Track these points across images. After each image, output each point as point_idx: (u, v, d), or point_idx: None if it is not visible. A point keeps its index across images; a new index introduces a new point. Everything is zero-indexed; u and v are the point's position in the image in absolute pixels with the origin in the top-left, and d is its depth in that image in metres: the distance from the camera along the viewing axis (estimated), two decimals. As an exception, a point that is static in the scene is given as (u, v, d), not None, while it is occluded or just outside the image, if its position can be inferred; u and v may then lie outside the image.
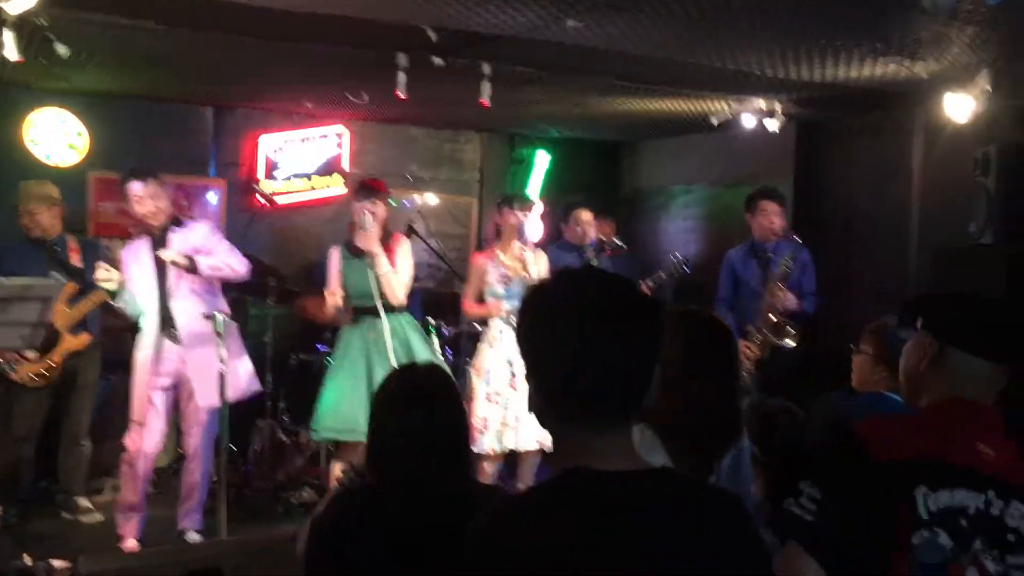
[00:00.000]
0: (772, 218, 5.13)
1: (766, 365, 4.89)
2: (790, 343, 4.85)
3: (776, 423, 2.37)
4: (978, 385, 1.80)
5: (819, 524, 1.65)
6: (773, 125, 5.72)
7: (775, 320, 4.92)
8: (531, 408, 1.39)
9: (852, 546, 1.66)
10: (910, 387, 1.90)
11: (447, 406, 2.13)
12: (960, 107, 4.84)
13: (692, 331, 2.11)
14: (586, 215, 5.44)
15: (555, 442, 1.37)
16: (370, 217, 4.52)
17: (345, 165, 6.99)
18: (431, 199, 7.34)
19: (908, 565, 1.67)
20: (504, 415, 4.71)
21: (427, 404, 2.09)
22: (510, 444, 4.73)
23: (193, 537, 4.51)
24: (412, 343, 4.64)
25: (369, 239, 4.51)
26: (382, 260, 4.54)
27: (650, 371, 1.33)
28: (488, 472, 4.81)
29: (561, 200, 7.17)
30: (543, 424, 1.40)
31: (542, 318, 1.35)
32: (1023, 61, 4.46)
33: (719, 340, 2.15)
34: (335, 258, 4.68)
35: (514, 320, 4.92)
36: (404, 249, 4.67)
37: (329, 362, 4.96)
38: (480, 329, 5.14)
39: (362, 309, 4.60)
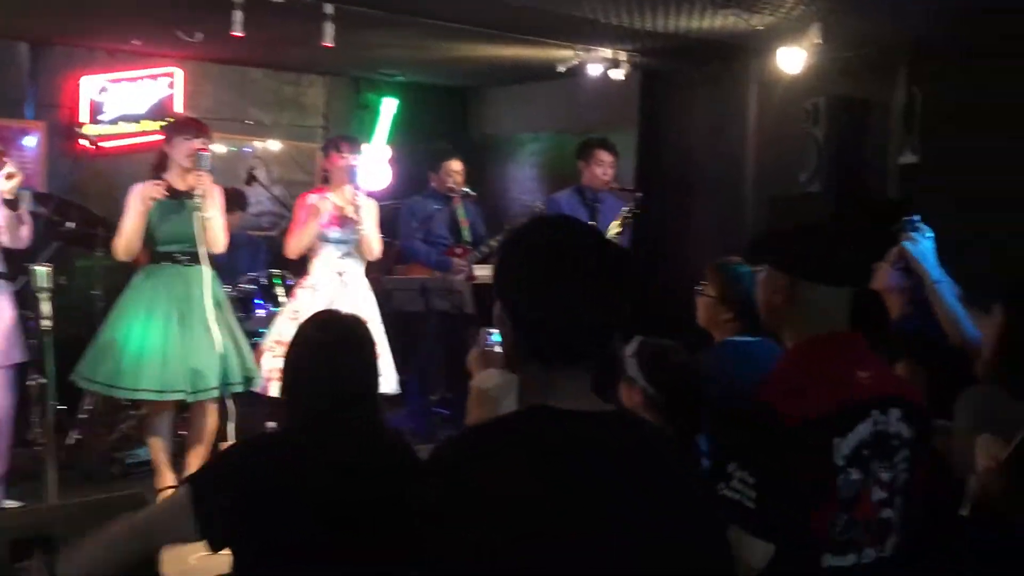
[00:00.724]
0: (607, 168, 5.21)
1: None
2: None
3: (668, 362, 2.39)
4: (832, 312, 1.87)
5: (762, 508, 1.68)
6: (618, 74, 5.79)
7: None
8: (506, 347, 1.44)
9: (795, 517, 1.72)
10: (770, 323, 1.97)
11: (370, 351, 2.17)
12: (792, 59, 5.04)
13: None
14: (457, 165, 5.37)
15: (521, 380, 1.42)
16: (209, 156, 4.27)
17: (178, 108, 6.61)
18: (273, 145, 7.06)
19: (830, 508, 1.75)
20: None
21: (355, 350, 2.13)
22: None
23: (7, 504, 4.15)
24: (221, 299, 4.40)
25: (208, 180, 4.25)
26: (214, 204, 4.30)
27: (616, 320, 1.38)
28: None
29: (411, 147, 7.07)
30: (511, 362, 1.45)
31: (522, 261, 1.39)
32: (851, 15, 4.68)
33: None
34: (142, 197, 4.22)
35: (342, 267, 4.81)
36: (218, 197, 4.37)
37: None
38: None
39: (175, 256, 4.28)
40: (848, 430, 1.76)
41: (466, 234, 5.45)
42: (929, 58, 4.96)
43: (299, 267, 5.09)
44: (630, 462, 1.32)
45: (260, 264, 5.97)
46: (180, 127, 4.39)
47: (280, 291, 5.51)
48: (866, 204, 5.01)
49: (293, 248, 4.77)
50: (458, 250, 5.53)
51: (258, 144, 6.98)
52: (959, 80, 4.84)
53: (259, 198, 6.68)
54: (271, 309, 5.38)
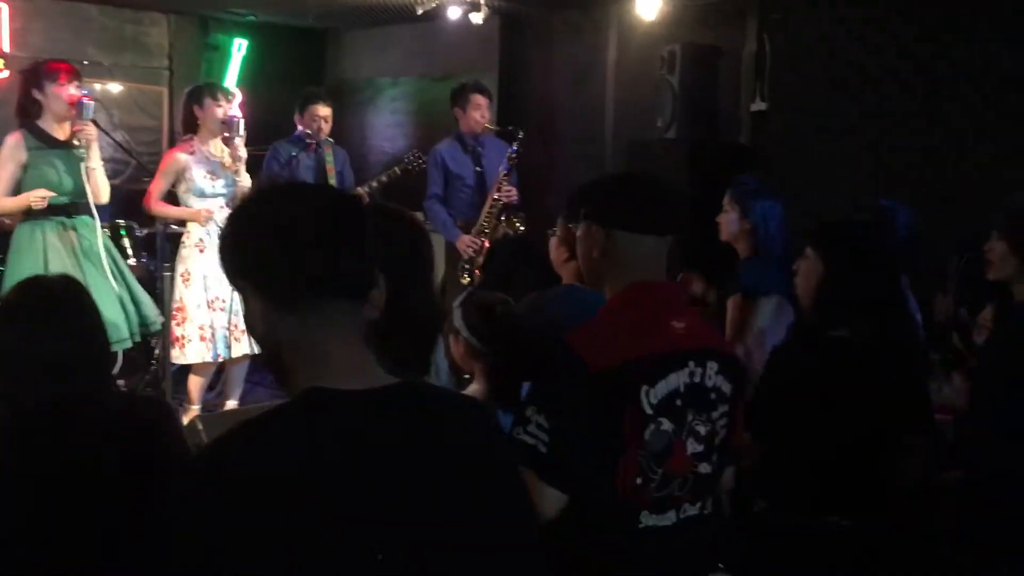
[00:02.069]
0: (484, 111, 5.16)
1: (490, 256, 4.99)
2: (521, 228, 4.95)
3: (494, 314, 2.40)
4: (649, 262, 1.86)
5: (554, 453, 1.66)
6: (478, 18, 5.72)
7: (499, 211, 5.00)
8: (251, 323, 1.27)
9: (588, 466, 1.70)
10: (590, 277, 1.95)
11: (82, 317, 1.99)
12: (649, 6, 5.09)
13: (385, 229, 2.09)
14: (324, 109, 5.17)
15: (289, 361, 1.24)
16: (92, 105, 4.03)
17: (4, 46, 6.10)
18: (113, 88, 6.64)
19: (638, 459, 1.73)
20: (233, 320, 4.43)
21: (60, 316, 1.95)
22: (244, 350, 4.48)
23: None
24: (110, 248, 4.24)
25: (92, 129, 4.02)
26: (97, 153, 4.07)
27: (364, 269, 1.26)
28: (199, 384, 4.55)
29: (263, 90, 6.79)
30: (264, 340, 1.27)
31: (269, 233, 1.22)
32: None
33: (414, 238, 2.14)
34: (19, 147, 4.01)
35: (223, 220, 4.60)
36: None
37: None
38: (179, 230, 4.75)
39: (61, 208, 4.06)
40: (659, 378, 1.74)
41: (333, 182, 5.28)
42: (777, 7, 5.12)
43: (146, 216, 4.83)
44: (418, 435, 1.20)
45: (104, 214, 5.64)
46: (50, 73, 4.08)
47: (127, 243, 5.22)
48: (719, 150, 5.17)
49: (162, 209, 4.55)
50: None
51: (97, 87, 6.54)
52: (806, 28, 5.02)
53: (100, 144, 6.27)
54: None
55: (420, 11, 5.80)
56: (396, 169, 5.13)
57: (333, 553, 1.08)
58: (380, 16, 6.57)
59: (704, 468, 1.83)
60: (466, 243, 4.99)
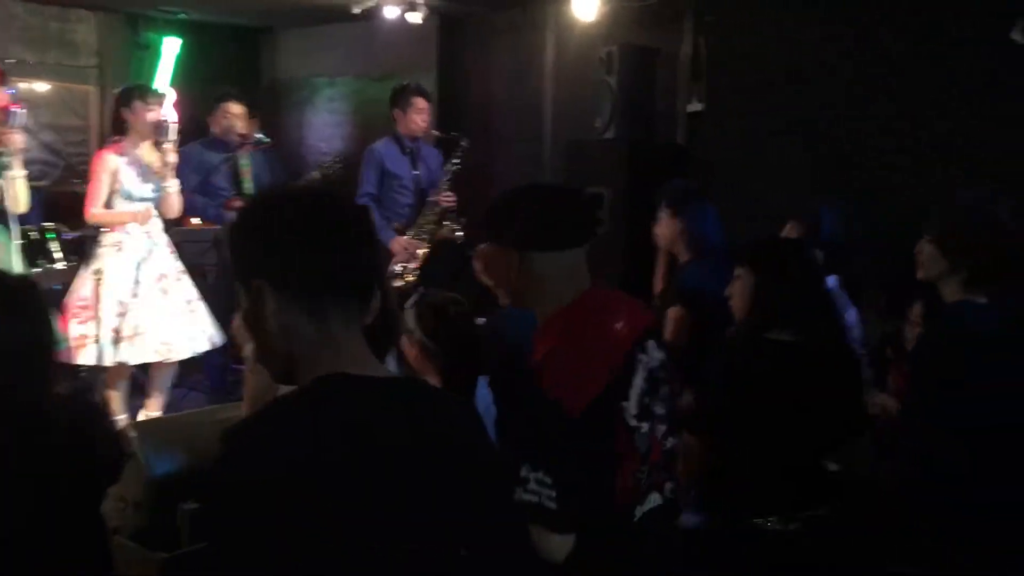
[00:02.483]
0: (425, 115, 5.12)
1: (430, 259, 4.97)
2: (458, 234, 4.92)
3: (446, 315, 2.39)
4: (570, 275, 1.84)
5: (564, 505, 1.65)
6: (415, 18, 5.68)
7: (439, 216, 4.97)
8: (255, 320, 1.29)
9: (590, 498, 1.71)
10: (514, 299, 1.91)
11: (33, 317, 1.95)
12: (586, 7, 5.11)
13: None
14: (236, 108, 5.03)
15: (302, 355, 1.28)
16: (25, 112, 3.89)
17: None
18: (39, 87, 6.44)
19: (635, 471, 1.78)
20: (125, 325, 4.29)
21: (19, 315, 1.91)
22: (126, 357, 4.33)
23: None
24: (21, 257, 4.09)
25: (20, 139, 3.89)
26: (20, 161, 3.94)
27: (373, 270, 1.35)
28: (117, 397, 4.41)
29: (197, 91, 6.65)
30: (275, 335, 1.28)
31: (278, 229, 1.28)
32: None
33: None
34: None
35: (149, 225, 4.49)
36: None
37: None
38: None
39: None
40: (628, 388, 1.76)
41: (247, 185, 5.15)
42: (712, 9, 5.18)
43: (73, 219, 4.69)
44: (423, 432, 1.25)
45: (31, 218, 5.46)
46: None
47: (55, 246, 5.06)
48: (657, 150, 5.22)
49: (97, 216, 4.41)
50: (237, 203, 5.19)
51: (22, 86, 6.33)
52: (740, 30, 5.09)
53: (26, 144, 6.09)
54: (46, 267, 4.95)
55: (357, 10, 5.74)
56: (315, 174, 5.06)
57: (341, 547, 1.12)
58: (316, 15, 6.49)
59: (670, 443, 1.89)
60: (402, 244, 4.94)
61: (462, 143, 5.03)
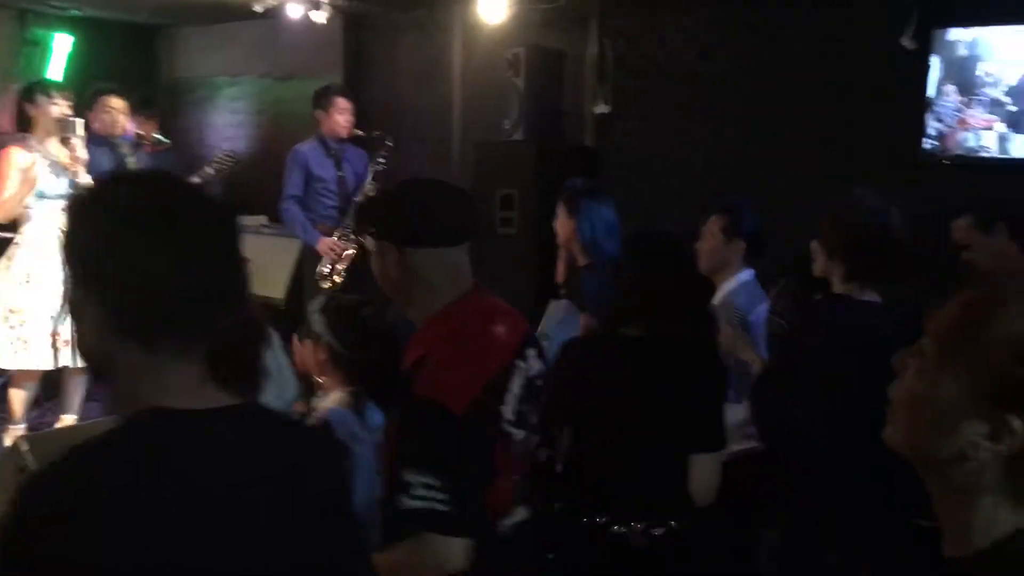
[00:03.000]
0: (348, 115, 5.05)
1: (357, 261, 4.91)
2: None
3: (357, 317, 2.33)
4: (450, 274, 1.79)
5: (456, 508, 1.59)
6: (320, 17, 5.58)
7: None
8: (83, 334, 1.13)
9: (479, 501, 1.68)
10: (395, 297, 1.85)
11: None
12: (494, 8, 5.11)
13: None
14: (116, 101, 4.86)
15: (119, 376, 1.12)
16: None
17: None
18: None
19: (510, 479, 1.76)
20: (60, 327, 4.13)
21: None
22: (21, 364, 4.16)
23: None
24: None
25: None
26: None
27: (232, 287, 1.14)
28: (23, 398, 4.22)
29: (89, 89, 6.41)
30: (95, 353, 1.13)
31: (106, 226, 1.09)
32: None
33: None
34: None
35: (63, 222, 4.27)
36: None
37: None
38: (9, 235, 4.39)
39: None
40: (506, 392, 1.72)
41: None
42: (618, 12, 5.25)
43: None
44: (261, 468, 1.11)
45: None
46: None
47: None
48: (564, 152, 5.26)
49: (7, 214, 4.18)
50: None
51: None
52: (645, 33, 5.18)
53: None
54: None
55: (259, 8, 5.60)
56: (207, 169, 4.93)
57: None
58: (217, 13, 6.32)
59: (543, 453, 1.91)
60: (329, 245, 4.89)
61: (387, 142, 4.99)
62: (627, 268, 2.46)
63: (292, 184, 4.98)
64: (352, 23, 6.25)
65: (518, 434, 1.74)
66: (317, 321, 2.30)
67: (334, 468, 1.25)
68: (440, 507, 1.58)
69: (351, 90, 6.03)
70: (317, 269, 4.92)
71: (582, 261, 3.43)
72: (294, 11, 5.51)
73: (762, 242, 3.27)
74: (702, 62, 4.99)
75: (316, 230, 4.93)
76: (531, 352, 1.82)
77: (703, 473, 2.30)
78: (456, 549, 1.62)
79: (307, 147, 5.05)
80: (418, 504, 1.58)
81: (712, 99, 4.98)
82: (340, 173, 5.03)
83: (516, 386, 1.76)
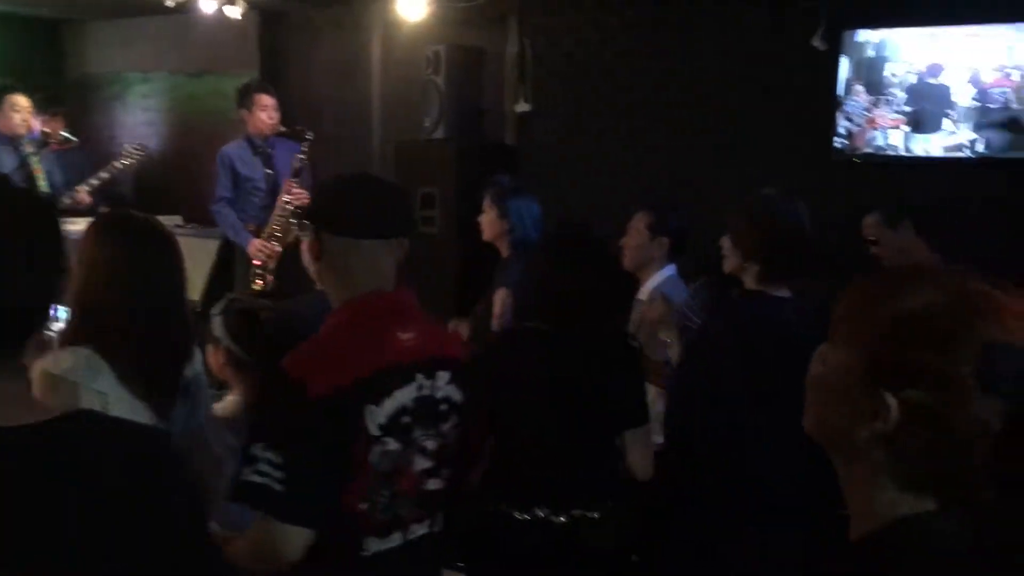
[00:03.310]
0: (272, 112, 4.94)
1: (281, 262, 4.82)
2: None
3: (259, 320, 2.28)
4: (371, 268, 1.75)
5: (292, 490, 1.54)
6: (234, 12, 5.45)
7: (291, 214, 4.81)
8: None
9: (323, 495, 1.60)
10: (321, 285, 1.83)
11: None
12: (412, 6, 5.07)
13: (130, 239, 1.95)
14: (22, 100, 4.66)
15: None
16: None
17: None
18: None
19: (366, 484, 1.65)
20: None
21: None
22: None
23: None
24: None
25: None
26: None
27: (36, 294, 1.05)
28: None
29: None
30: None
31: None
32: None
33: (160, 248, 1.99)
34: None
35: None
36: None
37: None
38: None
39: None
40: (384, 396, 1.65)
41: (41, 184, 4.82)
42: (537, 11, 5.26)
43: None
44: (89, 482, 1.03)
45: None
46: None
47: None
48: (485, 150, 5.25)
49: None
50: None
51: None
52: (564, 32, 5.20)
53: None
54: None
55: (171, 3, 5.45)
56: (115, 164, 4.78)
57: None
58: (127, 8, 6.13)
59: (433, 484, 1.76)
60: (257, 247, 4.80)
61: (307, 136, 4.91)
62: (541, 263, 2.47)
63: (221, 186, 4.89)
64: (268, 19, 6.12)
65: (390, 443, 1.66)
66: (217, 325, 2.25)
67: (171, 473, 1.14)
68: (277, 487, 1.54)
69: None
70: (250, 270, 4.82)
71: (506, 253, 3.47)
72: (207, 6, 5.37)
73: (685, 239, 3.32)
74: (620, 61, 5.04)
75: (247, 232, 4.84)
76: (444, 374, 1.76)
77: (638, 446, 2.34)
78: (293, 538, 1.57)
79: (233, 148, 4.95)
80: (256, 479, 1.54)
81: (631, 98, 5.03)
82: (269, 171, 4.93)
83: (404, 396, 1.69)
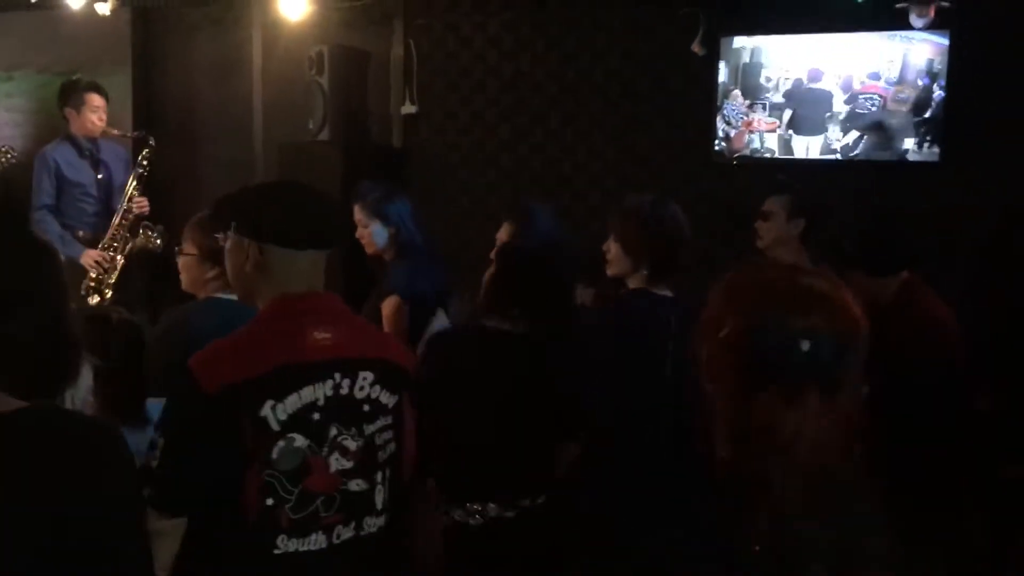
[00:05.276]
0: (102, 113, 4.72)
1: (125, 273, 4.59)
2: (158, 242, 4.51)
3: (112, 325, 2.20)
4: (304, 276, 1.79)
5: (162, 477, 1.61)
6: (104, 8, 5.23)
7: (131, 224, 4.59)
8: None
9: (203, 488, 1.63)
10: (242, 292, 1.87)
11: None
12: (292, 6, 4.95)
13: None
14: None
15: None
16: None
17: None
18: None
19: (264, 480, 1.65)
20: None
21: None
22: None
23: None
24: None
25: None
26: None
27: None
28: None
29: None
30: None
31: None
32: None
33: (36, 258, 1.90)
34: None
35: None
36: None
37: None
38: None
39: None
40: (289, 392, 1.66)
41: None
42: (421, 12, 5.22)
43: None
44: (41, 469, 1.12)
45: None
46: None
47: None
48: (372, 153, 5.18)
49: None
50: None
51: None
52: (448, 33, 5.18)
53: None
54: None
55: (34, -1, 5.19)
56: None
57: None
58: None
59: (356, 485, 1.75)
60: (93, 258, 4.52)
61: (149, 142, 4.68)
62: (500, 271, 2.57)
63: (43, 192, 4.57)
64: (140, 16, 5.89)
65: (297, 439, 1.66)
66: None
67: (121, 460, 1.26)
68: (157, 471, 1.62)
69: (140, 87, 5.71)
70: (83, 283, 4.50)
71: (391, 256, 3.44)
72: (75, 2, 5.13)
73: (556, 245, 3.28)
74: (505, 63, 5.06)
75: (76, 241, 4.55)
76: (368, 376, 1.76)
77: (566, 456, 2.48)
78: (163, 525, 1.61)
79: (55, 149, 4.68)
80: (152, 463, 1.63)
81: (515, 100, 5.05)
82: (100, 176, 4.70)
83: (313, 393, 1.69)
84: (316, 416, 1.69)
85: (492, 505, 2.37)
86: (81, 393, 2.08)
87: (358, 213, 3.44)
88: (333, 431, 1.71)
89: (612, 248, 2.64)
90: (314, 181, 4.81)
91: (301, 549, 1.69)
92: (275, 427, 1.65)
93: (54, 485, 1.12)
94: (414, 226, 3.43)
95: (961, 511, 2.53)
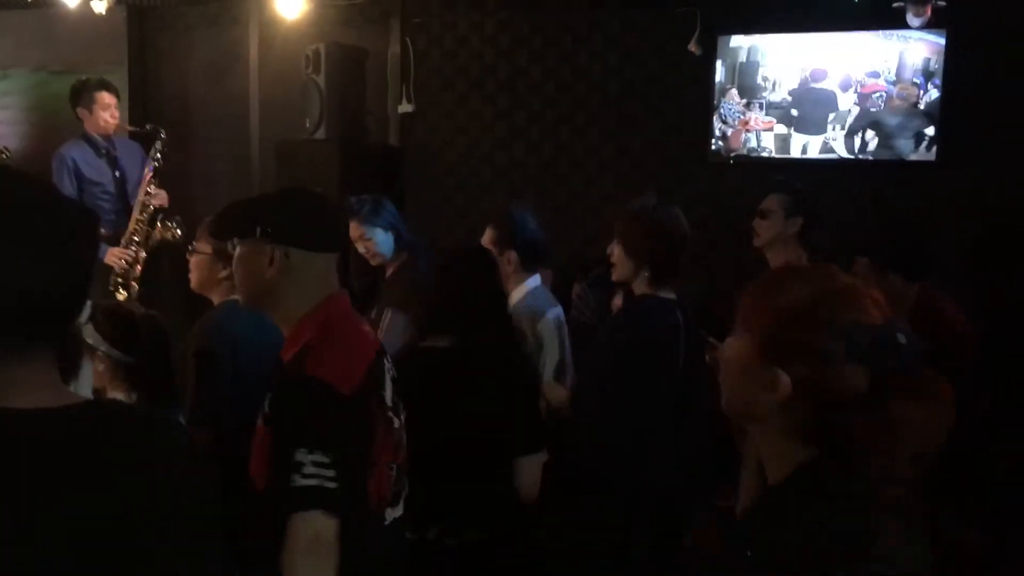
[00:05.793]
0: (114, 111, 4.72)
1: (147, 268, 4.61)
2: (179, 233, 4.55)
3: (132, 322, 2.21)
4: (325, 278, 1.86)
5: (343, 486, 1.63)
6: (100, 7, 5.21)
7: (151, 217, 4.61)
8: None
9: (365, 483, 1.75)
10: (254, 297, 1.87)
11: None
12: (289, 4, 4.95)
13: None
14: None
15: None
16: None
17: None
18: None
19: (389, 462, 1.84)
20: None
21: None
22: None
23: None
24: None
25: None
26: None
27: (79, 287, 1.13)
28: None
29: None
30: None
31: None
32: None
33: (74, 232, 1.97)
34: None
35: None
36: None
37: None
38: None
39: None
40: (384, 379, 1.84)
41: None
42: (418, 10, 5.22)
43: None
44: (108, 461, 1.09)
45: None
46: None
47: None
48: (369, 151, 5.18)
49: None
50: None
51: None
52: (445, 32, 5.18)
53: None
54: None
55: (30, -3, 5.17)
56: None
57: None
58: (-19, -1, 5.78)
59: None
60: (117, 255, 4.56)
61: (161, 135, 4.71)
62: (437, 282, 2.51)
63: (64, 192, 4.59)
64: (136, 14, 5.88)
65: (396, 420, 1.85)
66: (89, 332, 2.16)
67: (185, 452, 1.22)
68: (329, 484, 1.61)
69: (136, 85, 5.70)
70: (109, 279, 4.57)
71: (393, 266, 3.48)
72: (71, 0, 5.12)
73: (539, 249, 3.24)
74: (502, 62, 5.06)
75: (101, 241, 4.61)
76: (386, 356, 1.94)
77: (527, 475, 2.38)
78: (332, 528, 1.63)
79: (72, 150, 4.68)
80: (311, 482, 1.61)
81: (512, 98, 5.05)
82: (117, 173, 4.71)
83: (388, 378, 1.88)
84: (396, 398, 1.89)
85: (435, 530, 2.29)
86: (83, 386, 2.09)
87: (356, 229, 3.44)
88: (399, 404, 1.91)
89: (616, 251, 2.65)
90: (311, 179, 4.88)
91: (395, 516, 1.86)
92: (389, 414, 1.83)
93: (121, 479, 1.09)
94: (404, 228, 3.55)
95: (961, 511, 2.54)
